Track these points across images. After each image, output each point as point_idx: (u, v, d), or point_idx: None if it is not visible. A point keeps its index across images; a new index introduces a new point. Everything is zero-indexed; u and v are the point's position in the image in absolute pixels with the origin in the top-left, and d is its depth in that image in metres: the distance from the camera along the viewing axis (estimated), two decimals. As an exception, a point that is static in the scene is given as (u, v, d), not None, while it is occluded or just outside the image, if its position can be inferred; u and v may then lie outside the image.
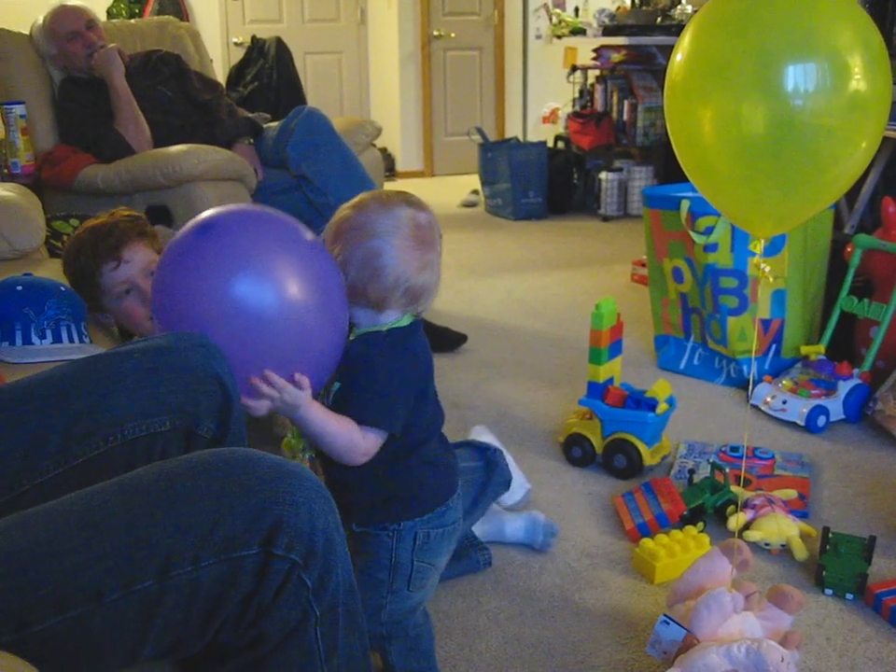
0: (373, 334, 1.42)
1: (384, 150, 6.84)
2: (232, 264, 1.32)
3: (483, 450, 2.07)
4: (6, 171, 3.39)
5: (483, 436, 2.26)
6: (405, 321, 1.43)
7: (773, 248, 2.84)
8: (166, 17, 4.48)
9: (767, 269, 1.49)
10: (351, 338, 1.43)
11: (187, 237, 1.37)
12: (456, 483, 1.53)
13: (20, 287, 2.01)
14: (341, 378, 1.41)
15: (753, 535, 2.04)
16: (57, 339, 1.98)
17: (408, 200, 1.42)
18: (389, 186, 5.91)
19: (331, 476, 1.45)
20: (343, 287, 1.39)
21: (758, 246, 1.50)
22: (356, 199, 1.43)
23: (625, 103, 5.95)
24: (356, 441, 1.38)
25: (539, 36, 7.06)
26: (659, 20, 5.76)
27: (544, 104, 7.04)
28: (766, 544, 2.05)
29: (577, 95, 6.33)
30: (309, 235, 1.41)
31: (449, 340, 3.40)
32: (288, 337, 1.31)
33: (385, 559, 1.46)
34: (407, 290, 1.40)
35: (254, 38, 5.00)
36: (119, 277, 1.97)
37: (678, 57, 1.44)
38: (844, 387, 2.69)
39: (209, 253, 1.33)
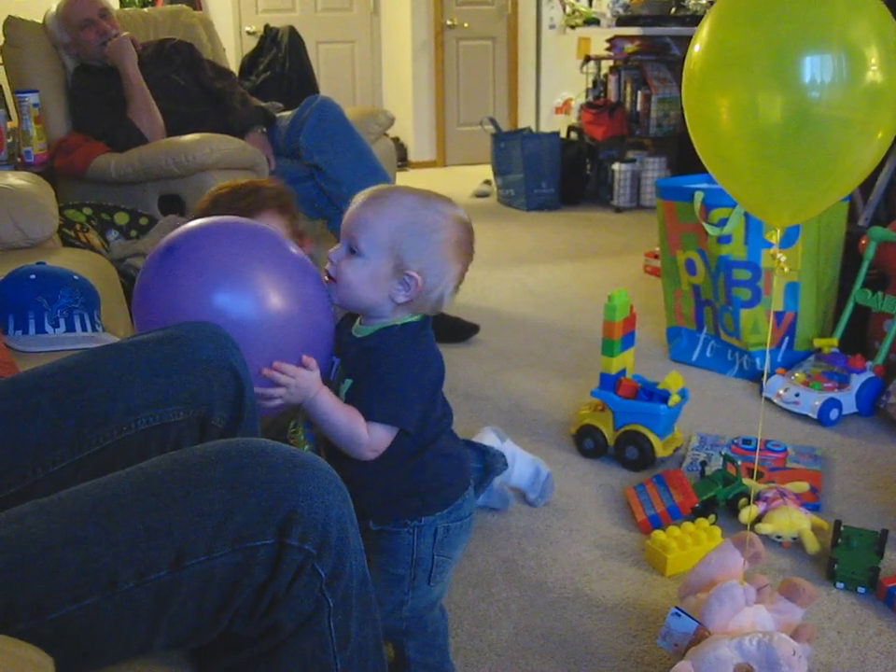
0: (387, 329, 1.39)
1: (396, 140, 6.83)
2: (205, 280, 1.34)
3: (483, 452, 2.08)
4: (19, 159, 3.40)
5: (487, 438, 2.27)
6: (417, 317, 1.41)
7: (787, 240, 2.82)
8: (179, 5, 4.48)
9: (783, 259, 1.48)
10: (359, 334, 1.41)
11: (153, 261, 1.39)
12: (469, 474, 1.52)
13: (33, 276, 2.02)
14: (351, 374, 1.39)
15: (765, 528, 2.03)
16: (70, 328, 1.99)
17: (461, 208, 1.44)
18: (402, 176, 5.92)
19: (347, 474, 1.40)
20: (320, 285, 1.39)
21: (774, 236, 1.49)
22: (452, 203, 1.42)
23: (639, 93, 5.92)
24: (359, 434, 1.35)
25: (552, 26, 7.04)
26: (673, 10, 5.73)
27: (557, 94, 7.01)
28: (778, 537, 2.05)
29: (590, 86, 6.31)
30: (280, 241, 1.42)
31: (461, 330, 3.40)
32: (273, 341, 1.33)
33: (405, 556, 1.44)
34: (443, 298, 1.41)
35: (267, 27, 5.00)
36: None
37: (696, 48, 1.44)
38: (857, 381, 2.68)
39: (178, 273, 1.35)
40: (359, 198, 1.39)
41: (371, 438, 1.36)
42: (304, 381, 1.32)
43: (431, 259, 1.36)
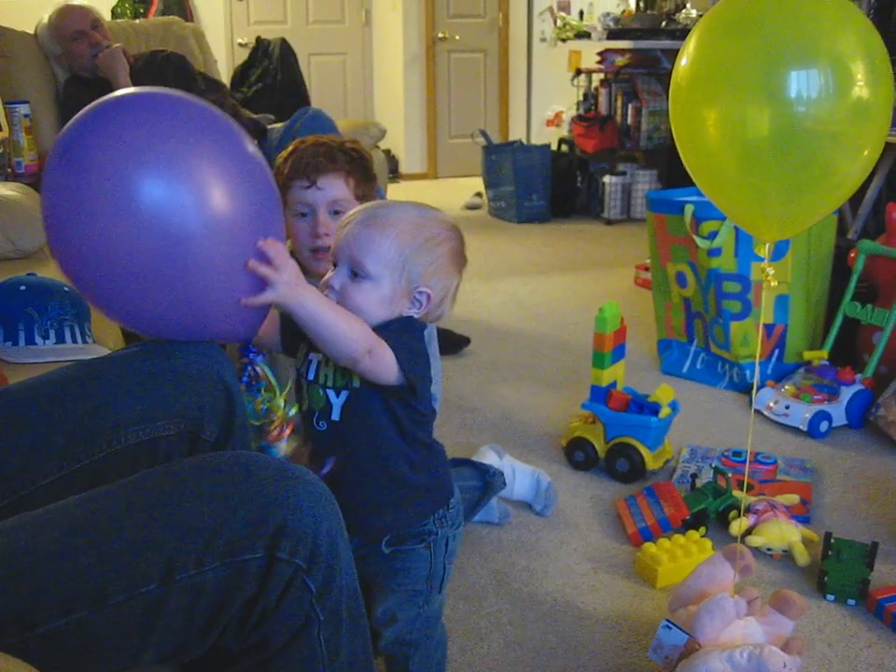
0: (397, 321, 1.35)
1: (387, 152, 6.84)
2: (133, 161, 1.08)
3: (483, 471, 2.08)
4: (9, 170, 3.39)
5: (487, 457, 2.27)
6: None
7: (777, 253, 2.84)
8: (171, 17, 4.49)
9: (771, 272, 1.48)
10: None
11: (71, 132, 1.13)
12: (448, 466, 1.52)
13: (23, 288, 2.01)
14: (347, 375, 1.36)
15: (755, 540, 2.04)
16: (60, 339, 1.98)
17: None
18: (393, 188, 5.92)
19: (354, 495, 1.33)
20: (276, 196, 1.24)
21: (763, 250, 1.50)
22: (450, 219, 1.42)
23: (630, 106, 5.94)
24: (370, 334, 1.24)
25: (543, 39, 7.06)
26: (664, 24, 5.76)
27: (548, 107, 7.03)
28: (768, 549, 2.05)
29: (581, 98, 6.32)
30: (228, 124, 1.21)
31: (452, 342, 3.40)
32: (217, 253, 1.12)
33: (423, 571, 1.42)
34: (450, 301, 1.42)
35: (258, 39, 5.00)
36: (303, 197, 1.84)
37: (683, 61, 1.44)
38: (846, 393, 2.69)
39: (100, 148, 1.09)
40: (354, 217, 1.34)
41: (380, 343, 1.25)
42: (294, 270, 1.18)
43: (438, 272, 1.36)
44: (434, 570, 1.44)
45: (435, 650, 1.53)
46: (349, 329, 1.23)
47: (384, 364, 1.26)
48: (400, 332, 1.32)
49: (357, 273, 1.31)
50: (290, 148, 1.89)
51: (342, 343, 1.22)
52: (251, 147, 1.21)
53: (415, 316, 1.35)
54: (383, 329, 1.30)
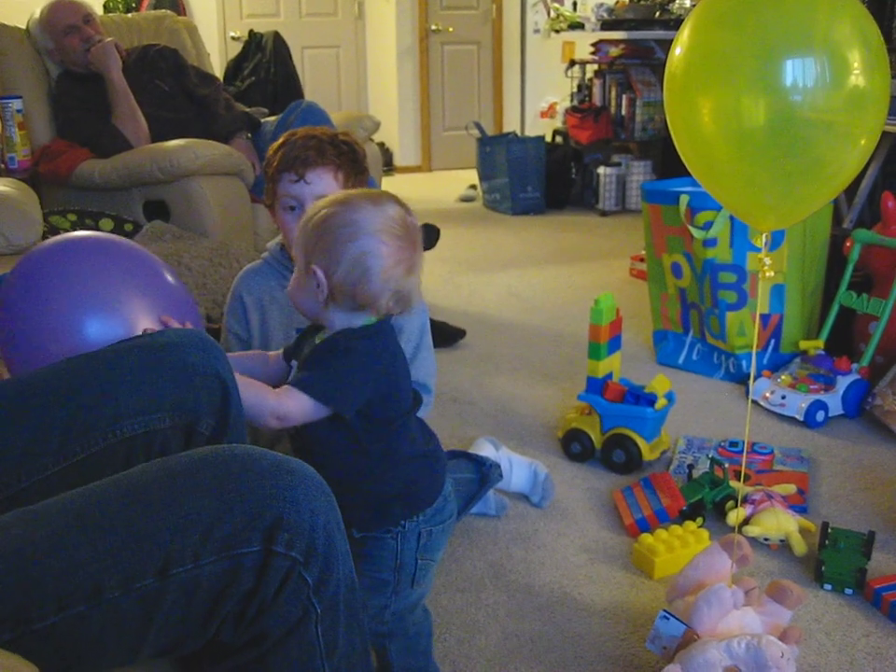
0: (344, 331, 1.37)
1: (381, 145, 6.82)
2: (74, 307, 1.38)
3: (479, 464, 2.07)
4: (2, 166, 3.39)
5: (483, 449, 2.27)
6: (373, 321, 1.38)
7: (772, 243, 2.83)
8: (163, 11, 4.47)
9: (768, 262, 1.48)
10: (319, 340, 1.40)
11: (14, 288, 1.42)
12: (444, 471, 1.50)
13: (17, 283, 2.00)
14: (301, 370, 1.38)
15: (752, 530, 2.04)
16: (55, 334, 1.97)
17: (396, 199, 1.38)
18: (387, 180, 5.92)
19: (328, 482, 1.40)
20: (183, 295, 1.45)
21: (760, 240, 1.49)
22: (339, 195, 1.38)
23: (624, 97, 5.94)
24: (264, 396, 1.32)
25: (537, 31, 7.05)
26: (658, 14, 5.75)
27: (542, 98, 7.03)
28: (765, 539, 2.05)
29: (575, 90, 6.32)
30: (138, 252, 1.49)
31: (447, 335, 3.40)
32: None
33: (389, 561, 1.44)
34: (395, 293, 1.35)
35: (251, 33, 4.99)
36: (292, 190, 1.84)
37: (677, 51, 1.44)
38: (843, 382, 2.69)
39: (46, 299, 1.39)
40: (327, 206, 1.38)
41: (281, 402, 1.32)
42: None
43: (331, 248, 1.33)
44: (402, 562, 1.44)
45: (416, 639, 1.54)
46: (250, 402, 1.31)
47: (294, 415, 1.33)
48: (323, 355, 1.35)
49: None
50: (281, 140, 1.88)
51: (251, 414, 1.32)
52: (171, 277, 1.50)
53: (322, 298, 1.35)
54: (332, 340, 1.36)
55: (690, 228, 2.90)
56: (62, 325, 1.37)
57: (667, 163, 5.39)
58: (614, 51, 5.94)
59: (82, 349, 1.28)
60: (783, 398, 2.71)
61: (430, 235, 3.53)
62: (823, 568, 1.91)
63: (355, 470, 1.39)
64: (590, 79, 6.24)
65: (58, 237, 1.50)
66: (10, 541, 0.94)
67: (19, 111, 3.35)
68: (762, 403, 2.76)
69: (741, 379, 2.97)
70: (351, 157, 1.88)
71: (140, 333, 1.34)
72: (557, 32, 6.33)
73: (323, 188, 1.82)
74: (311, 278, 1.35)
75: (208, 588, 0.96)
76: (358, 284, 1.33)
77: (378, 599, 1.45)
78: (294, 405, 1.32)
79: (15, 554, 0.93)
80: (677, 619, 1.55)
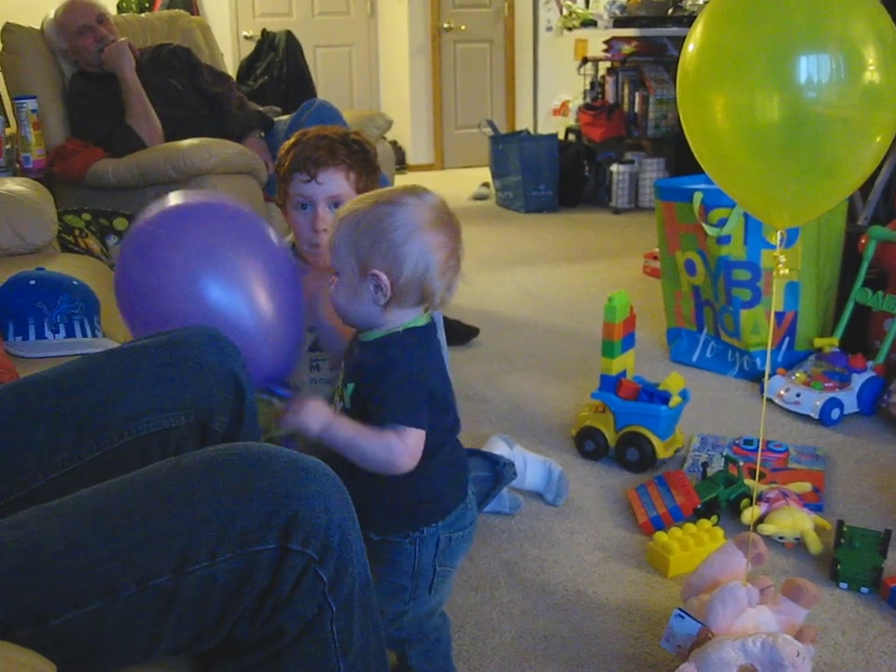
0: (391, 336, 1.36)
1: (394, 143, 6.82)
2: (192, 268, 1.40)
3: (493, 462, 2.07)
4: (17, 165, 3.40)
5: (497, 447, 2.27)
6: (422, 321, 1.38)
7: (787, 241, 2.82)
8: (176, 10, 4.48)
9: (783, 259, 1.47)
10: (365, 338, 1.39)
11: (143, 232, 1.44)
12: (467, 484, 1.49)
13: (32, 282, 2.02)
14: (354, 379, 1.36)
15: (767, 528, 2.03)
16: (70, 333, 1.99)
17: (428, 189, 1.38)
18: (400, 179, 5.91)
19: (349, 486, 1.30)
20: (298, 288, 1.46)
21: (775, 238, 1.49)
22: (374, 194, 1.37)
23: (637, 95, 5.92)
24: (393, 444, 1.31)
25: (549, 28, 7.04)
26: (670, 11, 5.73)
27: (555, 96, 7.02)
28: (780, 538, 2.04)
29: (588, 87, 6.31)
30: (271, 232, 1.50)
31: (461, 333, 3.40)
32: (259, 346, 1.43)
33: (406, 566, 1.42)
34: (449, 284, 1.37)
35: (264, 32, 4.99)
36: (303, 190, 1.84)
37: (690, 47, 1.43)
38: (858, 380, 2.68)
39: (162, 256, 1.41)
40: (365, 200, 1.37)
41: (403, 443, 1.32)
42: (308, 410, 1.34)
43: (391, 249, 1.31)
44: (420, 568, 1.42)
45: (435, 644, 1.53)
46: (380, 455, 1.33)
47: (418, 448, 1.35)
48: (385, 374, 1.34)
49: (335, 272, 1.37)
50: (293, 140, 1.88)
51: (380, 459, 1.33)
52: (277, 240, 1.54)
53: (383, 302, 1.33)
54: (388, 354, 1.35)
55: (704, 225, 2.90)
56: (180, 289, 1.39)
57: (680, 161, 5.37)
58: (627, 49, 5.92)
59: (202, 311, 1.34)
60: (798, 395, 2.70)
61: None
62: (839, 567, 1.90)
63: (384, 475, 1.36)
64: (602, 77, 6.23)
65: (168, 199, 1.49)
66: (26, 539, 0.94)
67: (33, 111, 3.37)
68: (776, 401, 2.75)
69: (755, 377, 2.96)
70: (362, 156, 1.88)
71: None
72: (570, 29, 6.32)
73: (334, 188, 1.83)
74: (367, 283, 1.33)
75: (224, 586, 0.97)
76: (424, 280, 1.33)
77: (395, 605, 1.43)
78: (413, 439, 1.33)
79: (31, 552, 0.93)
80: (692, 617, 1.55)
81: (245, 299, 1.43)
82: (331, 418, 1.33)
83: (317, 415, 1.33)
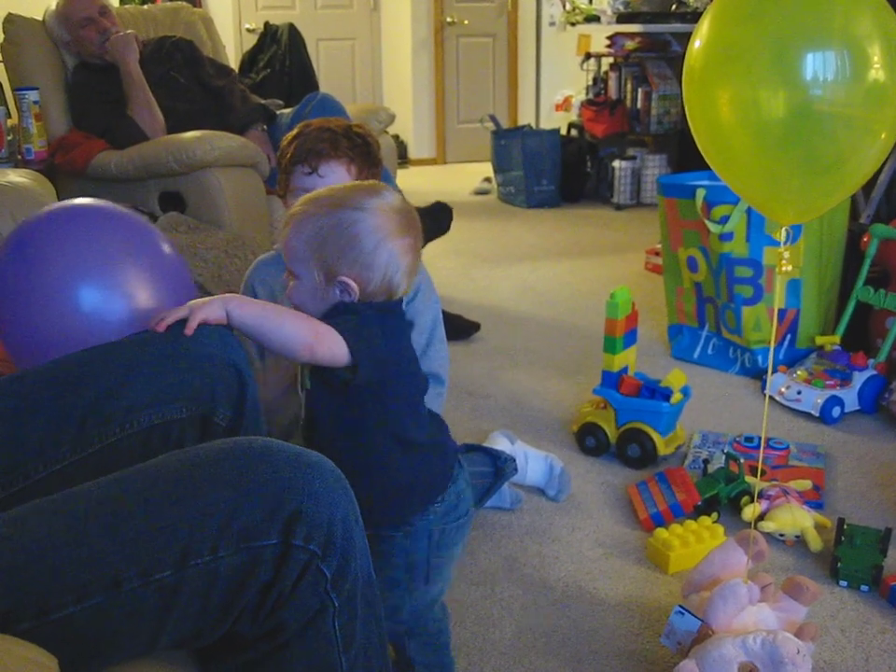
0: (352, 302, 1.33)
1: (396, 137, 6.82)
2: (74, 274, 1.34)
3: (494, 457, 2.06)
4: (19, 157, 3.39)
5: (498, 442, 2.27)
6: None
7: (788, 238, 2.82)
8: (179, 2, 4.47)
9: (787, 256, 1.47)
10: None
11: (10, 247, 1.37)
12: (455, 464, 1.45)
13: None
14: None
15: (768, 525, 2.03)
16: (72, 325, 1.98)
17: (384, 186, 1.36)
18: (402, 173, 5.92)
19: None
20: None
21: (779, 234, 1.48)
22: (339, 195, 1.33)
23: (639, 90, 5.91)
24: (312, 325, 1.25)
25: (552, 23, 7.03)
26: (674, 7, 5.72)
27: (557, 91, 7.01)
28: (781, 535, 2.04)
29: (590, 83, 6.30)
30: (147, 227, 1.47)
31: (462, 328, 3.40)
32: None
33: (400, 559, 1.40)
34: (408, 274, 1.34)
35: (266, 24, 4.98)
36: (305, 183, 1.83)
37: (696, 44, 1.43)
38: (859, 378, 2.68)
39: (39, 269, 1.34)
40: (316, 200, 1.34)
41: (324, 328, 1.25)
42: (203, 302, 1.26)
43: (360, 257, 1.29)
44: (414, 561, 1.40)
45: (436, 636, 1.52)
46: (292, 323, 1.25)
47: (327, 345, 1.25)
48: (338, 314, 1.30)
49: (294, 275, 1.34)
50: (295, 131, 1.88)
51: (286, 336, 1.24)
52: (167, 248, 1.46)
53: (351, 301, 1.31)
54: (325, 319, 1.29)
55: (706, 222, 2.89)
56: (55, 293, 1.33)
57: (683, 157, 5.37)
58: (630, 44, 5.92)
59: (75, 319, 1.28)
60: (799, 393, 2.70)
61: (444, 215, 3.50)
62: (839, 565, 1.90)
63: (360, 458, 1.33)
64: (605, 72, 6.21)
65: (55, 204, 1.46)
66: (28, 532, 0.94)
67: (35, 102, 3.36)
68: (777, 398, 2.75)
69: (757, 374, 2.96)
70: (364, 149, 1.87)
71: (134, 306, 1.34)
72: (573, 24, 6.31)
73: (335, 180, 1.82)
74: (334, 288, 1.31)
75: (226, 580, 0.96)
76: (392, 282, 1.32)
77: (391, 599, 1.41)
78: (332, 338, 1.24)
79: (33, 545, 0.93)
80: (692, 614, 1.55)
81: (120, 296, 1.36)
82: (225, 296, 1.27)
83: (208, 302, 1.26)
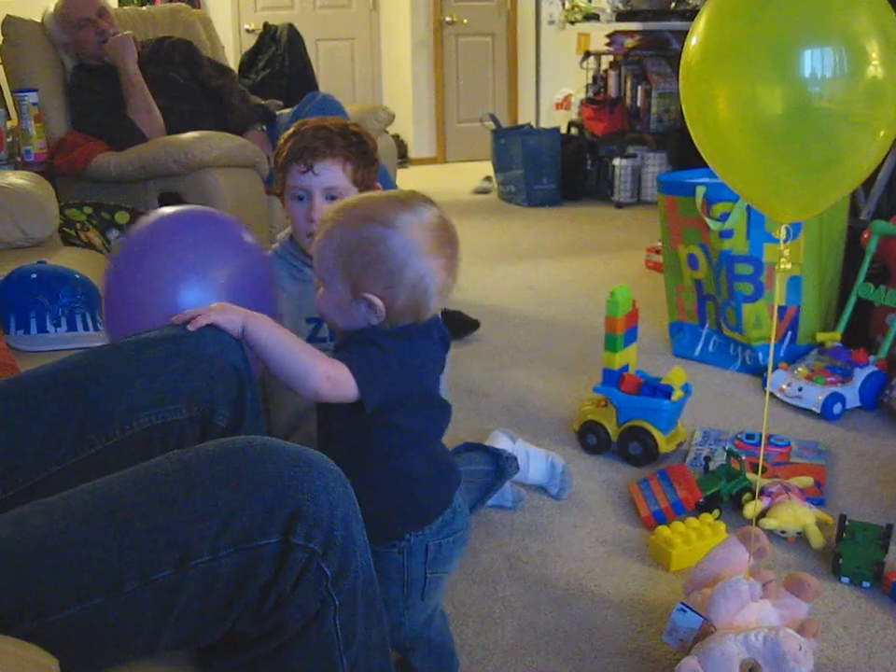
0: (374, 327, 1.32)
1: (396, 137, 6.81)
2: (176, 277, 1.49)
3: (496, 456, 2.06)
4: (19, 158, 3.40)
5: (499, 441, 2.27)
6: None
7: (789, 235, 2.81)
8: (178, 3, 4.47)
9: (786, 253, 1.47)
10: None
11: (129, 250, 1.54)
12: (456, 485, 1.44)
13: (34, 276, 2.02)
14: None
15: (769, 522, 2.03)
16: (72, 327, 1.99)
17: (425, 199, 1.33)
18: (402, 173, 5.91)
19: None
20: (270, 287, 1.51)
21: (780, 232, 1.48)
22: (371, 210, 1.31)
23: (639, 88, 5.90)
24: (322, 362, 1.23)
25: (552, 22, 7.03)
26: (673, 4, 5.72)
27: (557, 90, 7.00)
28: (782, 532, 2.04)
29: (590, 81, 6.29)
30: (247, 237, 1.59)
31: (462, 325, 3.39)
32: None
33: (396, 575, 1.37)
34: (443, 296, 1.32)
35: (266, 25, 4.99)
36: (300, 181, 1.84)
37: (693, 41, 1.43)
38: (860, 375, 2.68)
39: (153, 266, 1.50)
40: (351, 212, 1.33)
41: (335, 366, 1.24)
42: (224, 308, 1.29)
43: (387, 275, 1.27)
44: (411, 577, 1.38)
45: (439, 646, 1.51)
46: (300, 359, 1.24)
47: (340, 383, 1.24)
48: (357, 345, 1.29)
49: (321, 282, 1.33)
50: (292, 130, 1.89)
51: (298, 372, 1.24)
52: (250, 240, 1.63)
53: (376, 323, 1.30)
54: (347, 344, 1.30)
55: (706, 219, 2.89)
56: (161, 299, 1.47)
57: (683, 155, 5.36)
58: (629, 42, 5.91)
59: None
60: (800, 390, 2.70)
61: None
62: (841, 561, 1.90)
63: (359, 476, 1.25)
64: (605, 71, 6.21)
65: (155, 213, 1.62)
66: (29, 533, 0.95)
67: (34, 104, 3.36)
68: (778, 395, 2.75)
69: (757, 371, 2.96)
70: (360, 148, 1.88)
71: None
72: (572, 23, 6.30)
73: (331, 179, 1.83)
74: (360, 304, 1.29)
75: (226, 580, 0.97)
76: (420, 304, 1.30)
77: (391, 616, 1.36)
78: (342, 376, 1.23)
79: (33, 546, 0.93)
80: (694, 611, 1.55)
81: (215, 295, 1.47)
82: (251, 313, 1.28)
83: (234, 312, 1.28)
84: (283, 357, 1.24)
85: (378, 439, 1.34)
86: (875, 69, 1.33)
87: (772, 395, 2.75)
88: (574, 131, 6.31)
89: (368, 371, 1.25)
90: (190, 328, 1.26)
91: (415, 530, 1.37)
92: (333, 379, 1.23)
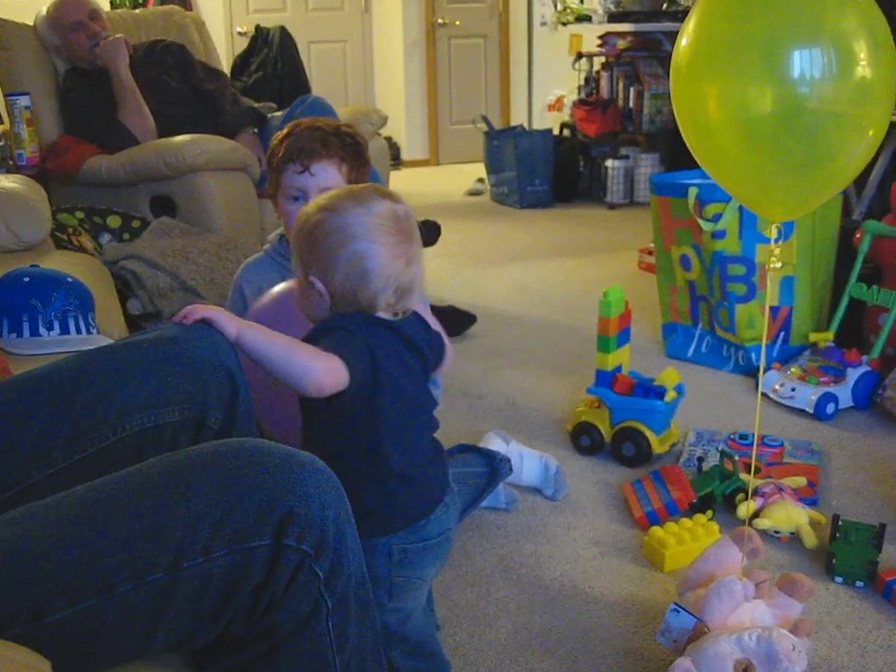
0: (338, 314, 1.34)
1: (389, 139, 6.81)
2: None
3: (489, 458, 2.06)
4: (11, 162, 3.39)
5: (493, 443, 2.27)
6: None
7: (782, 235, 2.82)
8: (170, 6, 4.47)
9: (776, 253, 1.48)
10: None
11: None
12: (438, 497, 1.41)
13: (27, 279, 2.01)
14: None
15: (763, 523, 2.03)
16: (64, 330, 1.98)
17: (382, 191, 1.34)
18: (395, 175, 5.92)
19: None
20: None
21: (770, 231, 1.49)
22: (323, 199, 1.34)
23: (631, 90, 5.91)
24: (318, 357, 1.23)
25: (544, 23, 7.03)
26: (665, 6, 5.73)
27: (549, 91, 7.01)
28: (776, 532, 2.04)
29: (582, 83, 6.30)
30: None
31: (458, 320, 3.37)
32: None
33: None
34: (396, 289, 1.31)
35: (258, 28, 4.99)
36: (296, 181, 1.85)
37: (683, 41, 1.43)
38: (853, 375, 2.68)
39: None
40: (312, 214, 1.35)
41: (327, 362, 1.23)
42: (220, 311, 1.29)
43: (323, 257, 1.30)
44: (374, 575, 1.31)
45: (420, 645, 1.48)
46: (302, 360, 1.23)
47: (337, 374, 1.24)
48: (327, 331, 1.29)
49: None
50: (286, 130, 1.89)
51: (300, 372, 1.23)
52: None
53: (325, 307, 1.32)
54: (310, 340, 1.29)
55: (698, 220, 2.89)
56: None
57: (675, 156, 5.37)
58: (621, 44, 5.92)
59: None
60: (793, 390, 2.70)
61: (431, 232, 3.51)
62: (834, 561, 1.90)
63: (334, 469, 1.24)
64: (597, 72, 6.22)
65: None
66: (22, 536, 0.94)
67: (26, 108, 3.36)
68: (771, 396, 2.75)
69: (750, 371, 2.96)
70: (354, 149, 1.89)
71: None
72: (564, 24, 6.31)
73: (327, 179, 1.83)
74: (311, 288, 1.32)
75: (219, 582, 0.97)
76: (358, 288, 1.30)
77: None
78: (337, 365, 1.23)
79: (26, 549, 0.93)
80: (687, 612, 1.55)
81: None
82: (244, 322, 1.29)
83: (232, 318, 1.29)
84: (280, 360, 1.24)
85: (351, 440, 1.33)
86: (863, 69, 1.33)
87: (765, 395, 2.75)
88: (566, 132, 6.32)
89: (346, 354, 1.25)
90: (185, 321, 1.28)
91: (376, 537, 1.35)
92: (332, 371, 1.23)
